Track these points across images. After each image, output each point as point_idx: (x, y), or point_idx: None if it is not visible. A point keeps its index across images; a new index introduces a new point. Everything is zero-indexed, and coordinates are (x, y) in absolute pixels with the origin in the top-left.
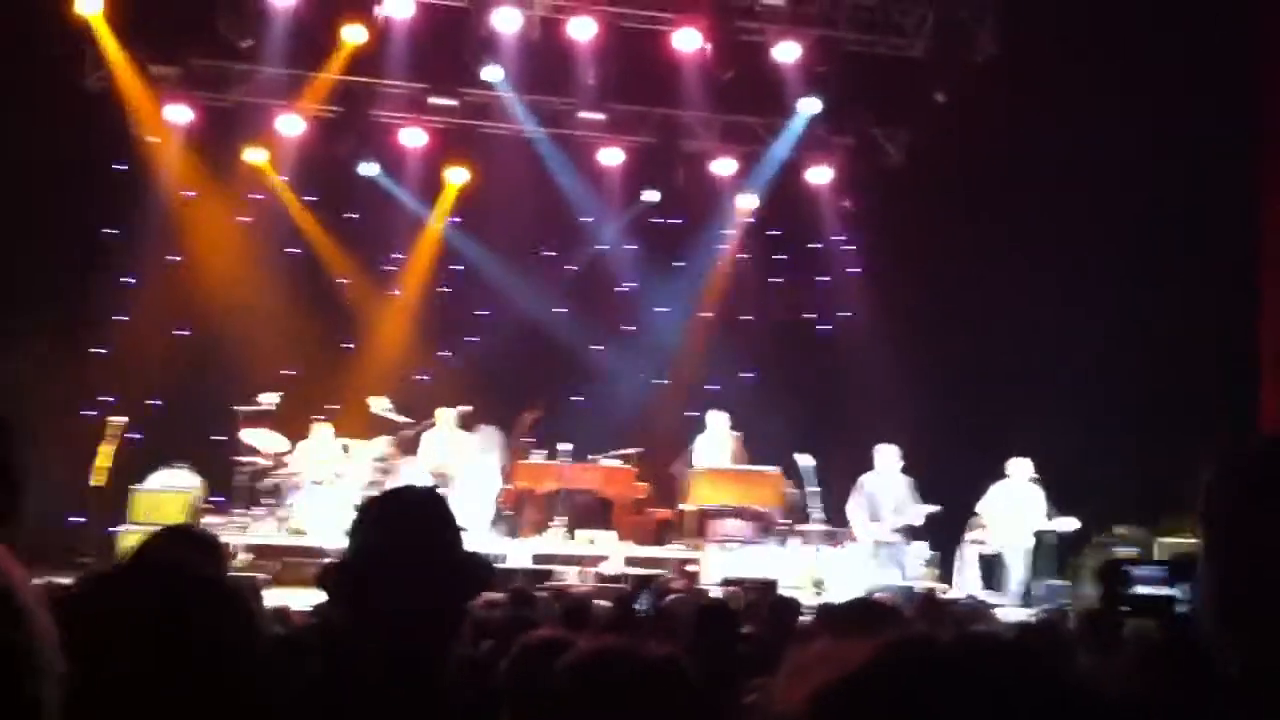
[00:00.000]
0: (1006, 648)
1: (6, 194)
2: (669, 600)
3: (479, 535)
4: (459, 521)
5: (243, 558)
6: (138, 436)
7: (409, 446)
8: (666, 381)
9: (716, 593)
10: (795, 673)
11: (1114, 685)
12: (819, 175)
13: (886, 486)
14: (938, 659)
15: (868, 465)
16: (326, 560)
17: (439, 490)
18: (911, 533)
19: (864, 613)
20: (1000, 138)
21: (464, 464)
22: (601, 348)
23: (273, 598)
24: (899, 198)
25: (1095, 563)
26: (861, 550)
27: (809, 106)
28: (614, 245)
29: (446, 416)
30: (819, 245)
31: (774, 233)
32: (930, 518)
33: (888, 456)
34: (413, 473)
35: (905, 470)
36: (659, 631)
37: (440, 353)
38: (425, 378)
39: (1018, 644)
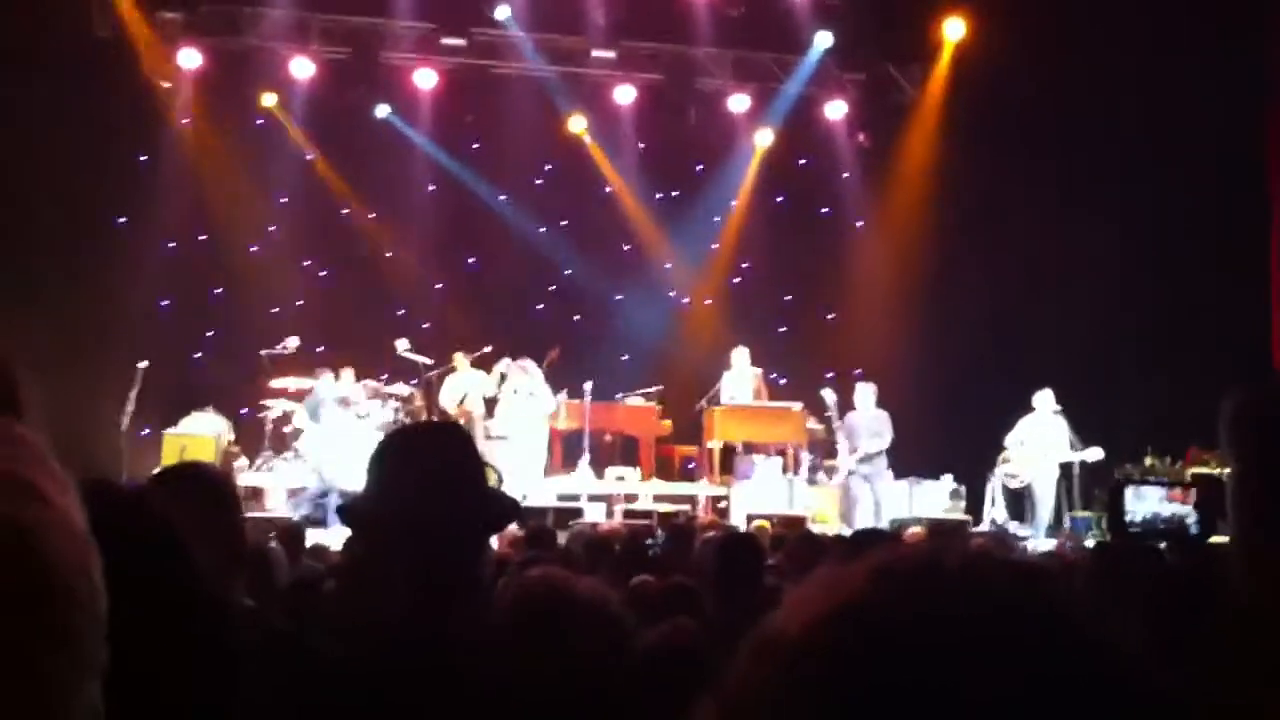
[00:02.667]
0: (1012, 569)
1: (20, 144)
2: (685, 536)
3: (531, 480)
4: (482, 457)
5: (274, 499)
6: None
7: (429, 388)
8: (685, 319)
9: (742, 529)
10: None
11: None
12: (834, 111)
13: (864, 421)
14: (936, 580)
15: (892, 400)
16: (350, 496)
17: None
18: (937, 467)
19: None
20: (1015, 71)
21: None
22: (618, 286)
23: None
24: (913, 133)
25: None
26: (840, 479)
27: (822, 41)
28: (628, 184)
29: (463, 360)
30: (834, 181)
31: (789, 169)
32: (959, 452)
33: (864, 394)
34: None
35: (923, 405)
36: (675, 568)
37: (456, 295)
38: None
39: (1025, 565)
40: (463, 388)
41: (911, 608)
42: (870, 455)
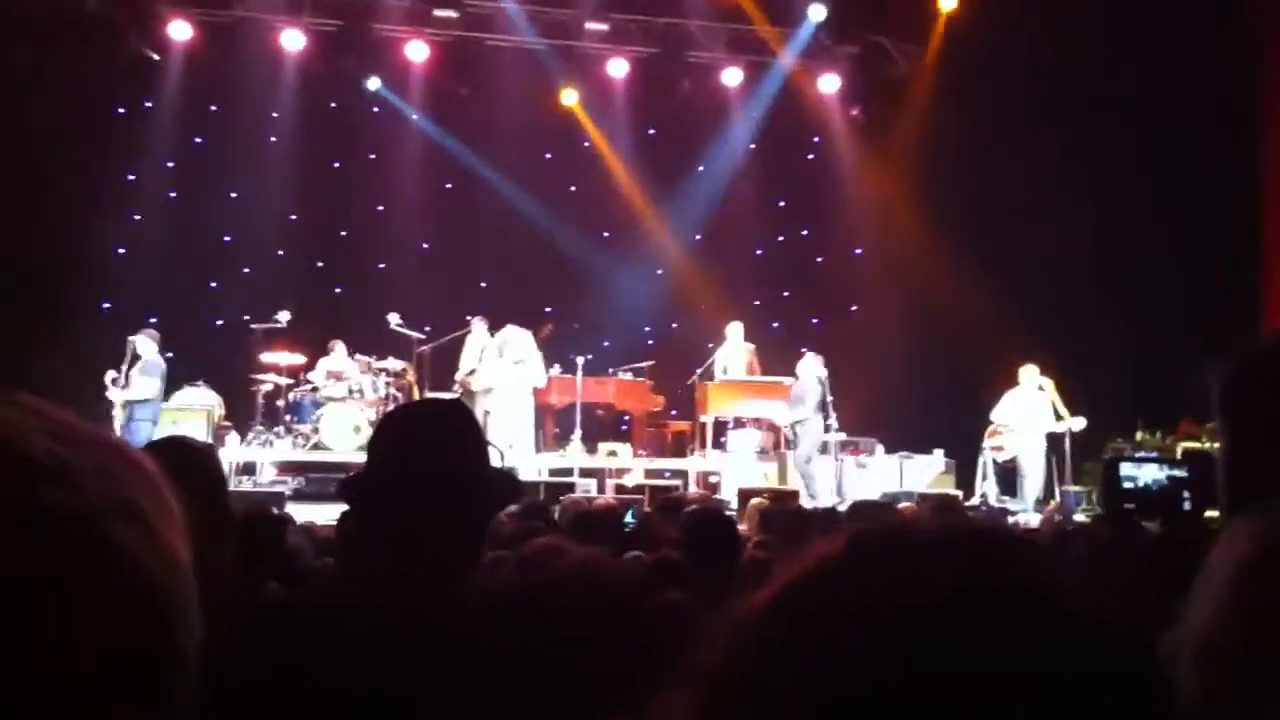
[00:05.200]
0: (989, 535)
1: (9, 118)
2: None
3: (522, 452)
4: (486, 436)
5: (266, 474)
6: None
7: (427, 360)
8: (678, 295)
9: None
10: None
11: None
12: (827, 84)
13: (793, 392)
14: (911, 546)
15: (878, 374)
16: (348, 472)
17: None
18: (928, 442)
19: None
20: (1006, 46)
21: (501, 374)
22: (611, 260)
23: (296, 513)
24: (907, 106)
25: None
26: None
27: (815, 14)
28: (622, 157)
29: (481, 324)
30: (828, 154)
31: (782, 143)
32: (950, 427)
33: (803, 365)
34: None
35: (914, 381)
36: (649, 544)
37: (449, 269)
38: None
39: (1004, 532)
40: (473, 360)
41: (881, 573)
42: (791, 424)
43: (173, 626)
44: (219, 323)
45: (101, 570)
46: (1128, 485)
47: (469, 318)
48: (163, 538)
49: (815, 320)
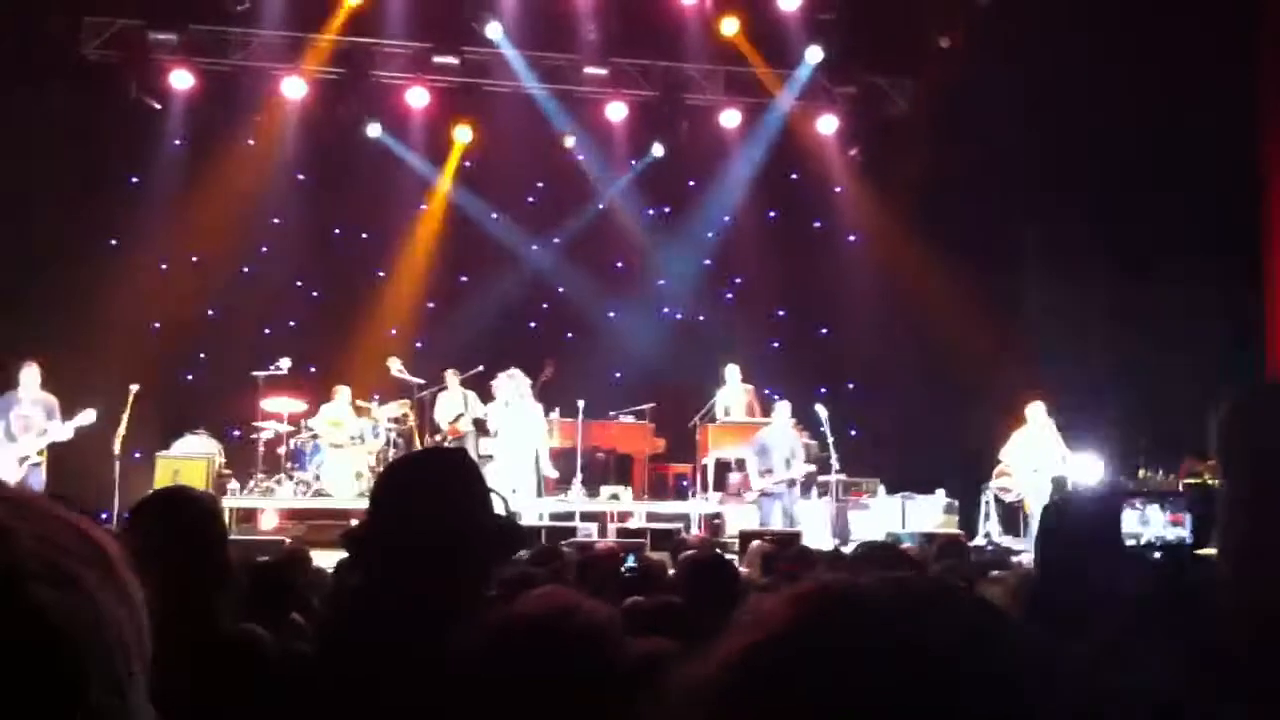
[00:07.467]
0: (937, 592)
1: (10, 166)
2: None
3: (524, 497)
4: (491, 485)
5: (268, 521)
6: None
7: (422, 408)
8: (678, 336)
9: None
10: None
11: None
12: (825, 125)
13: (777, 441)
14: (857, 608)
15: (885, 415)
16: (351, 521)
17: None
18: (930, 481)
19: (876, 556)
20: (1005, 84)
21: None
22: (611, 303)
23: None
24: (905, 146)
25: None
26: (750, 499)
27: (813, 56)
28: (621, 200)
29: (454, 377)
30: (826, 195)
31: (780, 184)
32: (951, 466)
33: (782, 413)
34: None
35: (915, 419)
36: (649, 590)
37: (449, 312)
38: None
39: (952, 587)
40: (456, 406)
41: (828, 637)
42: (789, 480)
43: (87, 684)
44: (220, 369)
45: (14, 624)
46: (1135, 538)
47: (444, 371)
48: (91, 601)
49: (816, 360)
